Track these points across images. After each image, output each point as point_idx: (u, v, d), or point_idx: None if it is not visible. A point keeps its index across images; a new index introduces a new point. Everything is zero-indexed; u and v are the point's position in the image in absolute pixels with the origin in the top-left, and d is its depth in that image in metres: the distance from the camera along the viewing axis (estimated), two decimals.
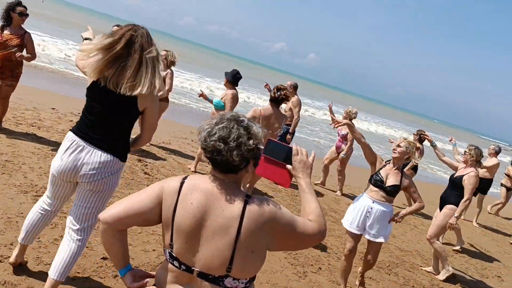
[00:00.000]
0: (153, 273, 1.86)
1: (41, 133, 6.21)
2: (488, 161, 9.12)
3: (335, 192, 8.56)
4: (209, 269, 1.65)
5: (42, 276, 3.04)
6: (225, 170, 1.70)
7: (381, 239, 4.14)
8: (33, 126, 6.39)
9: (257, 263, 1.70)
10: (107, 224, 1.72)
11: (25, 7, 5.65)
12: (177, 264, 1.70)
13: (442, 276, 5.61)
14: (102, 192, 2.73)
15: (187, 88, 19.25)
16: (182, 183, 1.72)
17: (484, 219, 10.73)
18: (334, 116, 7.41)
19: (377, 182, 4.14)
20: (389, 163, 4.20)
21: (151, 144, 7.46)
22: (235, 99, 6.36)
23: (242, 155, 1.65)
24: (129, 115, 2.67)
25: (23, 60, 5.69)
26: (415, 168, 8.29)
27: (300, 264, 4.73)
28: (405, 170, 6.02)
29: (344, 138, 8.21)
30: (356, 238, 4.24)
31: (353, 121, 7.97)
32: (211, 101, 6.74)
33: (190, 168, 6.75)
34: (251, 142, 1.67)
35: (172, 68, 7.02)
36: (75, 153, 2.65)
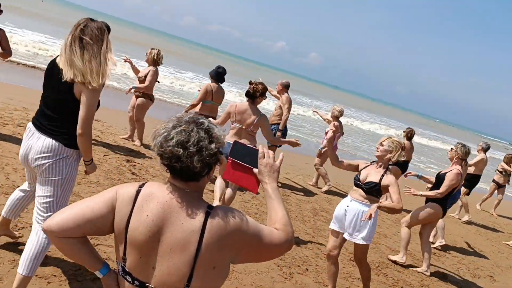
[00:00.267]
0: None
1: None
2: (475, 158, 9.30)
3: (321, 188, 8.56)
4: (165, 286, 1.53)
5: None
6: (185, 178, 1.57)
7: (359, 240, 4.02)
8: (20, 126, 6.34)
9: (219, 279, 1.59)
10: (52, 232, 1.55)
11: None
12: (130, 280, 1.59)
13: (393, 257, 5.77)
14: (51, 179, 2.75)
15: (182, 88, 19.28)
16: (138, 192, 1.58)
17: (480, 218, 10.69)
18: (319, 113, 9.28)
19: (355, 181, 4.12)
20: (374, 163, 4.17)
21: (141, 144, 7.42)
22: (207, 92, 6.71)
23: (204, 160, 1.52)
24: (66, 101, 2.70)
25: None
26: (403, 166, 8.20)
27: (287, 265, 4.68)
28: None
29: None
30: (337, 235, 4.18)
31: (341, 118, 8.36)
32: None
33: None
34: (213, 146, 1.54)
35: (157, 67, 7.00)
36: (27, 139, 2.80)
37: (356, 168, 4.22)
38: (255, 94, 5.07)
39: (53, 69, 2.72)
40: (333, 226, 4.22)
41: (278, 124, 7.79)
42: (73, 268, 3.36)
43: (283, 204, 1.77)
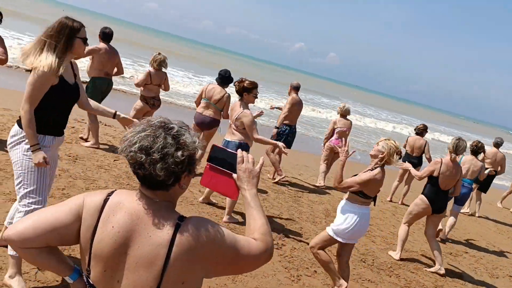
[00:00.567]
0: None
1: None
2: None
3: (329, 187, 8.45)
4: None
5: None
6: (152, 187, 1.48)
7: (328, 229, 4.08)
8: None
9: None
10: (13, 242, 1.46)
11: None
12: None
13: (390, 252, 5.81)
14: (14, 163, 2.91)
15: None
16: (106, 200, 1.49)
17: (502, 216, 10.41)
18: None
19: None
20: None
21: None
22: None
23: (168, 168, 1.41)
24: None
25: None
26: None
27: (295, 268, 4.61)
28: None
29: (339, 134, 8.26)
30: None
31: (349, 116, 8.61)
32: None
33: None
34: (179, 153, 1.42)
35: (156, 70, 6.94)
36: None
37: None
38: (239, 91, 5.22)
39: None
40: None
41: (288, 125, 7.76)
42: (34, 270, 3.28)
43: (262, 212, 1.66)
